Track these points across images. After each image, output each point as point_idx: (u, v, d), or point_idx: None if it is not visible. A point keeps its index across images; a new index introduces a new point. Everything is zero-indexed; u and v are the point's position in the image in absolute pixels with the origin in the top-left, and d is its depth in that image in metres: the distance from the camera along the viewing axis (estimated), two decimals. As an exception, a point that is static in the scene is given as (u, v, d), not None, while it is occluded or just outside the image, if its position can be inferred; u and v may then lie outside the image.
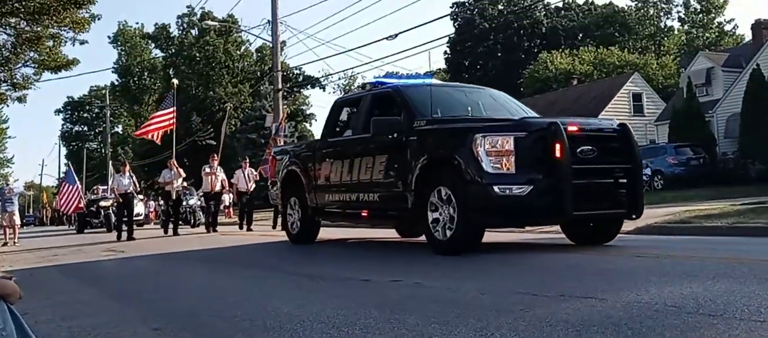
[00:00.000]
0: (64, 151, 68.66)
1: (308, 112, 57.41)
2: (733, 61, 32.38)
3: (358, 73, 70.74)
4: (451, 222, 6.52)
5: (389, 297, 4.40)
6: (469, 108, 7.95)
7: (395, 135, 7.34)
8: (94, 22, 19.31)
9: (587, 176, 6.43)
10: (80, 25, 18.17)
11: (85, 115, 75.00)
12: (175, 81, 21.23)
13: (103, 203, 23.79)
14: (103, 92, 64.46)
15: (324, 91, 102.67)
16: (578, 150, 6.36)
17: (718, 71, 31.33)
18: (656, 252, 6.21)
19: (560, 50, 49.31)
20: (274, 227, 15.97)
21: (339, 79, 65.18)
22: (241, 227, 16.87)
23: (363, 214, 8.16)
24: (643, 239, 8.04)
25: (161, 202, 24.48)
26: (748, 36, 39.15)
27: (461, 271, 5.79)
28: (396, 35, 21.23)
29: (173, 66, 54.24)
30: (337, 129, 9.27)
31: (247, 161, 18.35)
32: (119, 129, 69.91)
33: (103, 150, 62.55)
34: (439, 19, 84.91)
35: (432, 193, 6.72)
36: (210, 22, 44.63)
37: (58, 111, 74.26)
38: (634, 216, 6.91)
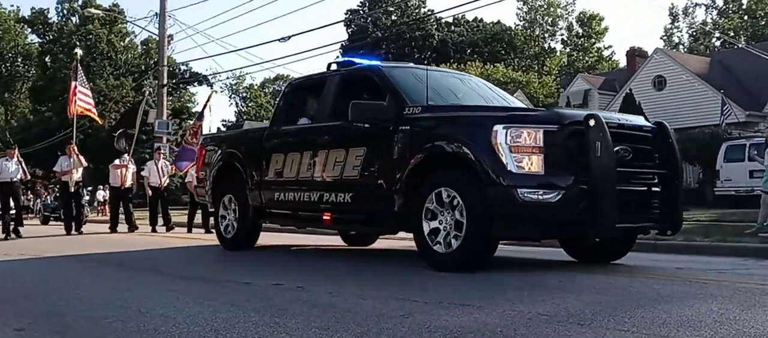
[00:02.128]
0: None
1: (194, 110, 55.87)
2: (608, 84, 34.44)
3: (247, 73, 69.63)
4: (458, 231, 5.44)
5: (270, 301, 4.33)
6: (461, 95, 6.93)
7: (379, 124, 6.17)
8: (-37, 3, 18.01)
9: (624, 181, 5.42)
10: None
11: (-51, 100, 69.76)
12: (79, 51, 18.60)
13: None
14: (-30, 76, 60.20)
15: (211, 89, 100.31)
16: (615, 150, 5.32)
17: (594, 93, 33.20)
18: (530, 263, 6.45)
19: (449, 64, 50.53)
20: (206, 230, 13.67)
21: (227, 78, 63.99)
22: (153, 229, 14.69)
23: (325, 217, 6.93)
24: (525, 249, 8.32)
25: (47, 196, 22.74)
26: (624, 62, 41.70)
27: (342, 276, 5.80)
28: (289, 37, 21.13)
29: (50, 54, 51.42)
30: (290, 117, 7.84)
31: (161, 152, 16.60)
32: (-13, 117, 65.43)
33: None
34: (332, 24, 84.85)
35: (429, 196, 5.65)
36: (93, 10, 42.63)
37: None
38: (669, 232, 6.08)
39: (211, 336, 3.30)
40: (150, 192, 15.53)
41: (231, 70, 65.51)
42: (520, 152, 5.20)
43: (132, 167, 15.37)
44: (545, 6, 60.70)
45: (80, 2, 49.23)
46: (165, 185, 15.62)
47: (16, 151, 13.72)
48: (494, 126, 5.29)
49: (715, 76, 29.93)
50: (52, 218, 23.31)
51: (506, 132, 5.23)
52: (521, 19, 61.14)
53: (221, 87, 64.39)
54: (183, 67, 50.77)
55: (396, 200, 5.97)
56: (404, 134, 5.98)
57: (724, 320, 3.48)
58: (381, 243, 9.05)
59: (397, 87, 6.37)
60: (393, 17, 56.95)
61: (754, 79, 29.11)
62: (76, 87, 15.72)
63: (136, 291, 5.01)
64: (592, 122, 5.17)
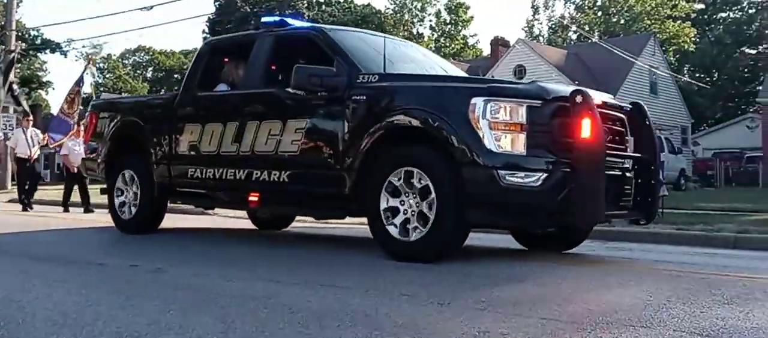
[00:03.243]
0: None
1: (45, 79, 52.49)
2: (473, 71, 35.31)
3: (105, 42, 66.10)
4: (421, 221, 4.88)
5: (128, 282, 4.14)
6: (416, 64, 6.34)
7: (326, 93, 5.50)
8: None
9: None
10: None
11: None
12: None
13: None
14: None
15: (65, 58, 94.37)
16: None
17: (459, 79, 34.13)
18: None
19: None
20: (86, 208, 12.29)
21: (83, 47, 60.43)
22: (24, 208, 12.95)
23: (252, 198, 6.14)
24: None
25: None
26: (488, 50, 43.23)
27: (208, 257, 5.66)
28: (151, 7, 20.26)
29: None
30: (206, 82, 6.90)
31: (30, 119, 14.21)
32: None
33: None
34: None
35: (389, 176, 5.04)
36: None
37: None
38: (643, 222, 5.59)
39: (59, 319, 3.11)
40: (15, 166, 13.69)
41: (88, 39, 61.93)
42: (500, 129, 4.65)
43: None
44: (413, -8, 61.76)
45: None
46: (35, 156, 13.78)
47: None
48: (472, 98, 4.72)
49: (570, 67, 31.84)
50: None
51: (486, 106, 4.66)
52: (392, 2, 61.92)
53: (76, 56, 60.72)
54: (34, 33, 47.41)
55: (346, 180, 5.33)
56: (358, 105, 5.33)
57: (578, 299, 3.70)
58: (294, 227, 8.49)
59: (347, 52, 5.69)
60: (263, -7, 55.88)
61: (606, 71, 31.23)
62: None
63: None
64: (579, 98, 4.66)
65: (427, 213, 4.83)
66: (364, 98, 5.32)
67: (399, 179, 4.99)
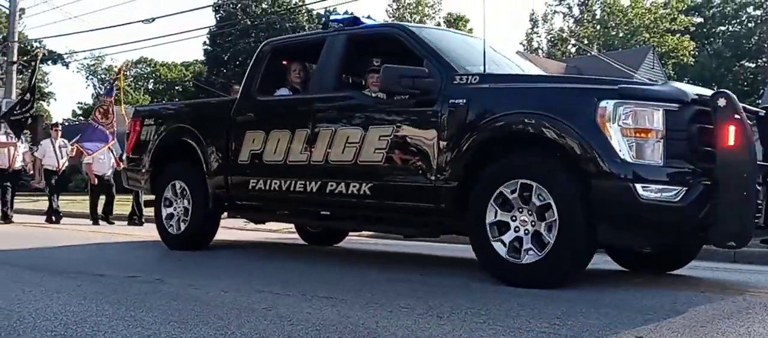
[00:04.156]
0: None
1: (47, 90, 52.57)
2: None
3: (107, 54, 66.35)
4: (536, 242, 4.33)
5: (126, 294, 4.15)
6: (514, 66, 5.81)
7: (417, 96, 4.96)
8: None
9: None
10: None
11: None
12: None
13: None
14: None
15: (67, 69, 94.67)
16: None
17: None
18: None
19: (319, 56, 50.42)
20: (139, 221, 12.07)
21: (85, 58, 60.59)
22: (49, 220, 12.49)
23: (324, 212, 5.83)
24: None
25: None
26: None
27: (206, 269, 5.66)
28: (153, 19, 20.33)
29: None
30: (267, 87, 6.45)
31: (59, 128, 13.41)
32: None
33: None
34: (200, 9, 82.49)
35: (499, 187, 4.46)
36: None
37: None
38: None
39: (60, 330, 3.12)
40: (41, 179, 13.01)
41: (89, 50, 62.13)
42: (634, 135, 4.12)
43: (23, 145, 12.92)
44: (414, 4, 61.97)
45: None
46: (64, 168, 13.16)
47: None
48: (601, 101, 4.18)
49: (569, 81, 31.78)
50: None
51: (616, 110, 4.14)
52: (390, 15, 62.07)
53: (78, 67, 60.83)
54: (36, 44, 47.51)
55: (442, 193, 4.82)
56: (457, 109, 4.77)
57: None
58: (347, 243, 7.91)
59: (439, 50, 5.17)
60: (263, 5, 56.09)
61: (604, 85, 31.20)
62: None
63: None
64: (722, 101, 4.09)
65: (544, 233, 4.29)
66: (464, 101, 4.76)
67: (512, 192, 4.44)
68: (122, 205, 12.98)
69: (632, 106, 4.14)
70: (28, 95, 13.91)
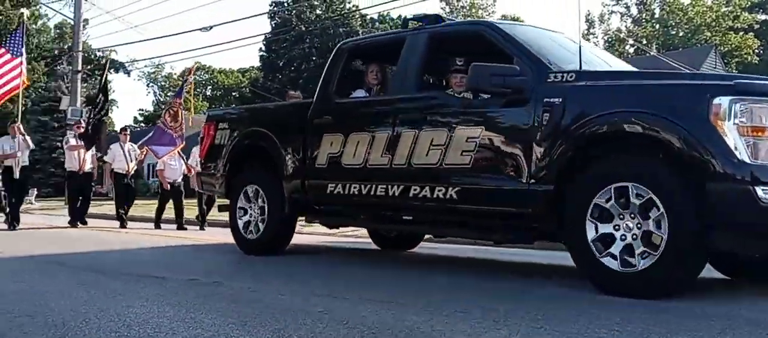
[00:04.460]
0: None
1: (110, 97, 54.20)
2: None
3: (166, 62, 68.08)
4: (648, 245, 4.05)
5: (186, 296, 4.24)
6: (606, 62, 5.53)
7: (508, 95, 4.75)
8: None
9: None
10: None
11: None
12: (26, 12, 15.52)
13: None
14: None
15: (128, 77, 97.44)
16: None
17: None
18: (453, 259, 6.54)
19: (373, 60, 50.67)
20: (202, 226, 12.31)
21: (145, 66, 62.29)
22: (122, 224, 12.40)
23: (406, 217, 5.72)
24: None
25: None
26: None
27: (264, 272, 5.73)
28: (211, 27, 20.76)
29: (-44, 34, 48.77)
30: (343, 88, 6.33)
31: (128, 133, 13.55)
32: None
33: None
34: (256, 16, 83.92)
35: (599, 192, 4.22)
36: (3, -10, 40.68)
37: None
38: None
39: (123, 331, 3.20)
40: (111, 181, 13.14)
41: (149, 59, 63.83)
42: (752, 135, 3.80)
43: (91, 150, 12.78)
44: (468, 6, 61.73)
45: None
46: (133, 171, 13.18)
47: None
48: (715, 98, 3.89)
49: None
50: None
51: (732, 107, 3.84)
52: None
53: (139, 75, 62.56)
54: (99, 54, 49.05)
55: (536, 197, 4.57)
56: (553, 108, 4.52)
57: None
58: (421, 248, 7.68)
59: (529, 47, 4.93)
60: (318, 12, 56.69)
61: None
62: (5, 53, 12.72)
63: (45, 285, 4.82)
64: None
65: (653, 230, 4.03)
66: (560, 99, 4.51)
67: (607, 201, 4.19)
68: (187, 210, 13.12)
69: (749, 102, 3.85)
70: (100, 96, 13.80)
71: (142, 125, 53.95)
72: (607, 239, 4.21)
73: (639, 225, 4.10)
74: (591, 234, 4.24)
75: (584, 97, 4.52)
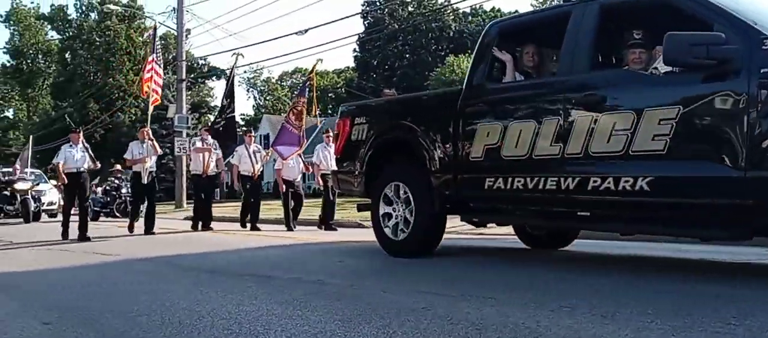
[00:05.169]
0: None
1: (212, 104, 56.23)
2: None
3: (264, 67, 70.06)
4: None
5: (292, 294, 4.35)
6: None
7: (711, 68, 4.15)
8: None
9: None
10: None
11: (-28, 97, 70.75)
12: (156, 20, 16.63)
13: (19, 186, 17.57)
14: (-7, 73, 61.18)
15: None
16: None
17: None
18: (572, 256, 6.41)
19: (467, 54, 50.37)
20: (321, 225, 12.36)
21: (245, 72, 64.33)
22: (254, 227, 12.35)
23: (582, 213, 5.14)
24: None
25: (96, 187, 19.78)
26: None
27: (363, 270, 5.81)
28: (306, 31, 21.22)
29: (70, 50, 51.97)
30: (495, 72, 5.86)
31: (253, 135, 13.43)
32: (9, 113, 66.36)
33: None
34: (349, 16, 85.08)
35: None
36: (111, 6, 43.05)
37: (-60, 91, 69.71)
38: None
39: (235, 328, 3.33)
40: (238, 183, 12.97)
41: (248, 65, 65.88)
42: None
43: (217, 152, 12.63)
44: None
45: (99, -2, 49.83)
46: (259, 173, 13.03)
47: (81, 135, 11.03)
48: None
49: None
50: (102, 214, 19.33)
51: None
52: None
53: (240, 80, 64.61)
54: (201, 62, 51.08)
55: (756, 186, 3.94)
56: None
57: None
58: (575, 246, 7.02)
59: (733, 12, 4.25)
60: (409, 9, 56.83)
61: None
62: (153, 61, 13.20)
63: (160, 284, 5.07)
64: None
65: None
66: None
67: None
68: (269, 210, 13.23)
69: None
70: (225, 99, 14.01)
71: (244, 128, 55.68)
72: None
73: None
74: None
75: None
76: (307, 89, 13.45)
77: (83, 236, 10.17)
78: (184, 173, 23.66)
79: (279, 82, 73.98)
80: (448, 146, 5.76)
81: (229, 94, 14.41)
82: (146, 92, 13.30)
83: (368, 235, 9.07)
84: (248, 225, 12.55)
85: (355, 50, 58.07)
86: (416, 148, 6.03)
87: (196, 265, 6.51)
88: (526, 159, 5.08)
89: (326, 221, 12.28)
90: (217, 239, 10.11)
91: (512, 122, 5.22)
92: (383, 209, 6.34)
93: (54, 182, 18.80)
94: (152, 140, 11.69)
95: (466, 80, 5.90)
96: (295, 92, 13.93)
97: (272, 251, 7.81)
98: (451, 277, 5.12)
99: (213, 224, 12.48)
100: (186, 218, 16.05)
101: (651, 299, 3.81)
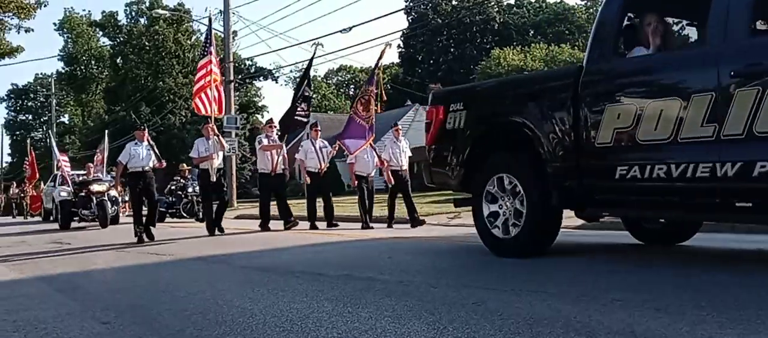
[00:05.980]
0: (7, 140, 66.80)
1: (260, 104, 56.94)
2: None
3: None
4: None
5: (343, 291, 4.39)
6: None
7: None
8: (39, 9, 18.78)
9: None
10: (26, 11, 17.60)
11: (30, 103, 72.94)
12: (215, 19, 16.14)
13: (95, 188, 16.33)
14: (49, 80, 63.05)
15: (276, 83, 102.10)
16: None
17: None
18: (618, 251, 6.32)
19: (512, 47, 49.97)
20: (389, 223, 11.75)
21: (291, 72, 64.94)
22: (312, 225, 11.75)
23: (741, 204, 4.34)
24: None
25: (182, 187, 18.68)
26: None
27: (412, 266, 5.81)
28: (350, 28, 21.30)
29: (121, 55, 53.17)
30: (618, 47, 5.20)
31: (318, 130, 12.51)
32: (65, 118, 68.33)
33: (47, 140, 60.98)
34: (393, 13, 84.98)
35: None
36: (160, 11, 43.86)
37: (0, 99, 72.19)
38: None
39: (287, 326, 3.38)
40: (308, 179, 12.18)
41: (294, 64, 66.46)
42: None
43: (283, 151, 12.14)
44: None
45: (148, 3, 50.81)
46: (325, 169, 12.35)
47: (146, 133, 10.77)
48: None
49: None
50: (167, 214, 18.51)
51: None
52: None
53: (286, 80, 65.28)
54: (248, 63, 51.74)
55: None
56: None
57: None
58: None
59: None
60: (453, 2, 56.57)
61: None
62: (209, 62, 12.64)
63: (214, 283, 5.16)
64: None
65: None
66: None
67: None
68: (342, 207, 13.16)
69: None
70: (305, 90, 13.18)
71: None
72: None
73: None
74: None
75: None
76: (375, 78, 12.69)
77: (148, 234, 10.22)
78: (234, 172, 24.01)
79: (325, 80, 74.49)
80: (567, 131, 5.12)
81: (307, 84, 13.46)
82: (198, 107, 12.67)
83: (412, 231, 9.07)
84: (318, 224, 11.88)
85: (399, 46, 58.11)
86: (527, 135, 5.42)
87: (253, 264, 6.61)
88: (670, 143, 4.44)
89: (414, 217, 11.45)
90: (282, 237, 10.17)
91: (649, 100, 4.57)
92: (488, 208, 5.80)
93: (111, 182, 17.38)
94: (218, 136, 11.38)
95: (586, 56, 5.23)
96: (364, 82, 12.87)
97: (321, 248, 7.88)
98: (502, 271, 5.09)
99: (270, 224, 12.02)
100: (238, 218, 16.28)
101: (705, 290, 3.74)
